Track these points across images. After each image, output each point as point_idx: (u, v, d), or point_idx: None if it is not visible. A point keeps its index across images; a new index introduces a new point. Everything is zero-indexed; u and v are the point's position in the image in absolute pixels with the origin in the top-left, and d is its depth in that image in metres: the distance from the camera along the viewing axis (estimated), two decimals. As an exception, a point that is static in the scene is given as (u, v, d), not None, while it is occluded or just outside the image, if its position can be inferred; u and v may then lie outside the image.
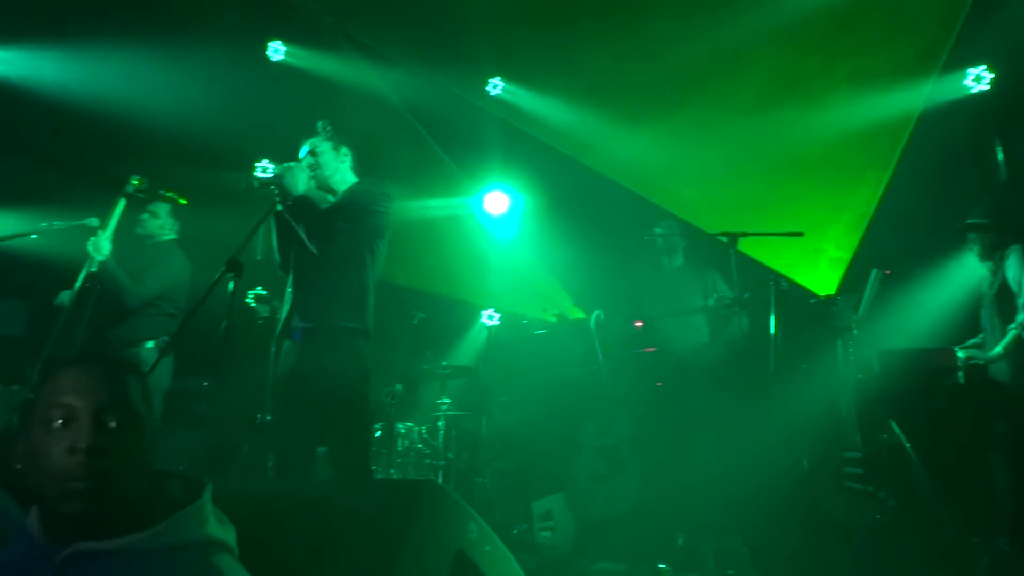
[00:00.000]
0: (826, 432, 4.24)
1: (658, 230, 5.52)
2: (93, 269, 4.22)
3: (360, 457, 3.26)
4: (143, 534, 1.36)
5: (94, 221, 4.35)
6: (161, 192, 4.45)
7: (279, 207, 3.26)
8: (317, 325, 3.23)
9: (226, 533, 1.46)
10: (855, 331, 4.28)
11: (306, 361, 3.21)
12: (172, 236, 4.77)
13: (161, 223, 4.71)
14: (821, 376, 4.48)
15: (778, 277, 4.59)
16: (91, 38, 5.49)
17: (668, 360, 5.26)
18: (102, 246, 4.20)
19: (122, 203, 4.30)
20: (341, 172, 3.48)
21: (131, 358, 4.38)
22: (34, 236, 4.48)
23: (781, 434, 4.32)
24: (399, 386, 5.71)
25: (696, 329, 5.32)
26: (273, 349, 3.49)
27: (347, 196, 3.41)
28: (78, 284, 4.22)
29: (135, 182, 4.32)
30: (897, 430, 4.12)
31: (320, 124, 3.49)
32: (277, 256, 3.41)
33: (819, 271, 6.29)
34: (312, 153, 3.43)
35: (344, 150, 3.49)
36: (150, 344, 4.46)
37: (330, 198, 3.47)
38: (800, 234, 4.71)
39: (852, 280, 5.92)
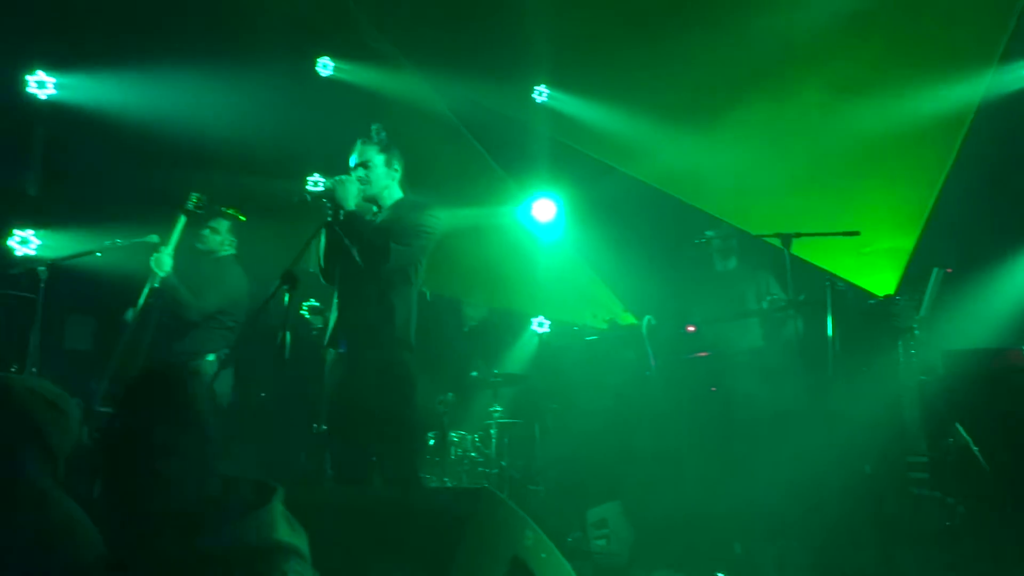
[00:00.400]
0: (889, 436, 4.13)
1: (710, 232, 5.45)
2: (156, 285, 4.35)
3: (409, 466, 3.31)
4: (210, 537, 1.38)
5: (154, 238, 4.49)
6: (222, 209, 4.57)
7: (330, 219, 3.32)
8: (363, 339, 3.28)
9: (297, 539, 1.46)
10: (917, 332, 4.16)
11: (354, 374, 3.28)
12: (231, 252, 4.89)
13: (221, 239, 4.83)
14: (882, 379, 4.36)
15: (833, 278, 4.49)
16: (148, 61, 5.66)
17: (722, 364, 5.18)
18: (164, 262, 4.33)
19: (183, 220, 4.44)
20: (390, 188, 3.53)
21: (194, 370, 4.50)
22: (98, 254, 4.64)
23: (841, 439, 4.21)
24: (451, 395, 5.74)
25: (750, 332, 5.24)
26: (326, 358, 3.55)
27: (397, 214, 3.45)
28: (142, 300, 4.36)
29: (195, 199, 4.46)
30: (964, 433, 3.98)
31: (374, 128, 3.53)
32: (322, 263, 3.45)
33: (875, 271, 6.14)
34: (364, 165, 3.47)
35: (396, 165, 3.53)
36: (211, 357, 4.57)
37: (374, 208, 3.52)
38: (856, 233, 4.61)
39: (911, 279, 5.77)
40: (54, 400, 1.98)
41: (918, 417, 4.01)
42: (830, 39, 5.90)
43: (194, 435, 1.47)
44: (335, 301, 3.44)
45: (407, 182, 3.60)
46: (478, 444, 5.76)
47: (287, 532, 1.43)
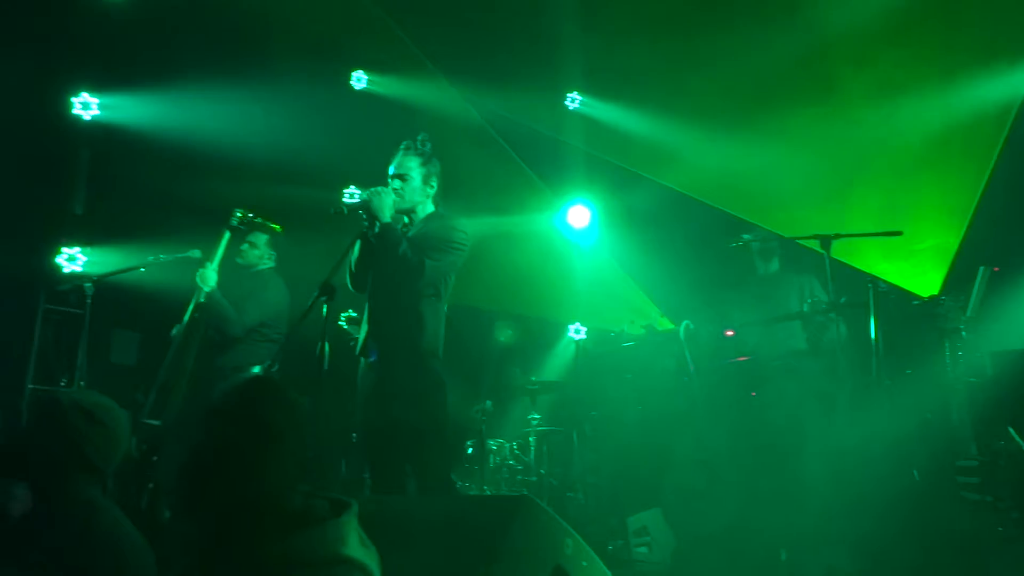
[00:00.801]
0: (937, 440, 4.02)
1: (747, 236, 5.35)
2: (201, 300, 4.43)
3: (443, 473, 3.32)
4: (276, 545, 1.36)
5: (196, 253, 4.57)
6: (258, 221, 4.63)
7: (365, 230, 3.35)
8: (393, 349, 3.31)
9: (367, 556, 1.44)
10: (964, 333, 4.05)
11: (385, 384, 3.30)
12: (270, 264, 4.96)
13: (260, 253, 4.90)
14: (928, 381, 4.26)
15: (875, 279, 4.40)
16: (187, 80, 5.79)
17: (763, 369, 5.10)
18: (209, 277, 4.41)
19: (227, 235, 4.51)
20: (423, 204, 3.55)
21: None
22: (142, 269, 4.74)
23: (887, 443, 4.12)
24: (489, 403, 5.74)
25: (792, 336, 5.14)
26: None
27: (428, 230, 3.46)
28: (188, 315, 4.44)
29: (239, 214, 4.52)
30: (1016, 436, 3.86)
31: (420, 138, 3.54)
32: (353, 269, 3.48)
33: (919, 271, 6.01)
34: (401, 178, 3.48)
35: (433, 181, 3.53)
36: (256, 369, 4.64)
37: (405, 220, 3.54)
38: (899, 233, 4.51)
39: (956, 279, 5.64)
40: (93, 411, 2.01)
41: (967, 420, 3.91)
42: (868, 38, 5.81)
43: (278, 450, 1.45)
44: (366, 311, 3.47)
45: (441, 195, 3.61)
46: (517, 452, 5.75)
47: (357, 548, 1.41)
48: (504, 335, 5.93)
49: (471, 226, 3.54)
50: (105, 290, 4.77)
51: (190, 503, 1.42)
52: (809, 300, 4.89)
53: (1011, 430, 3.89)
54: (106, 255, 5.58)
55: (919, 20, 5.71)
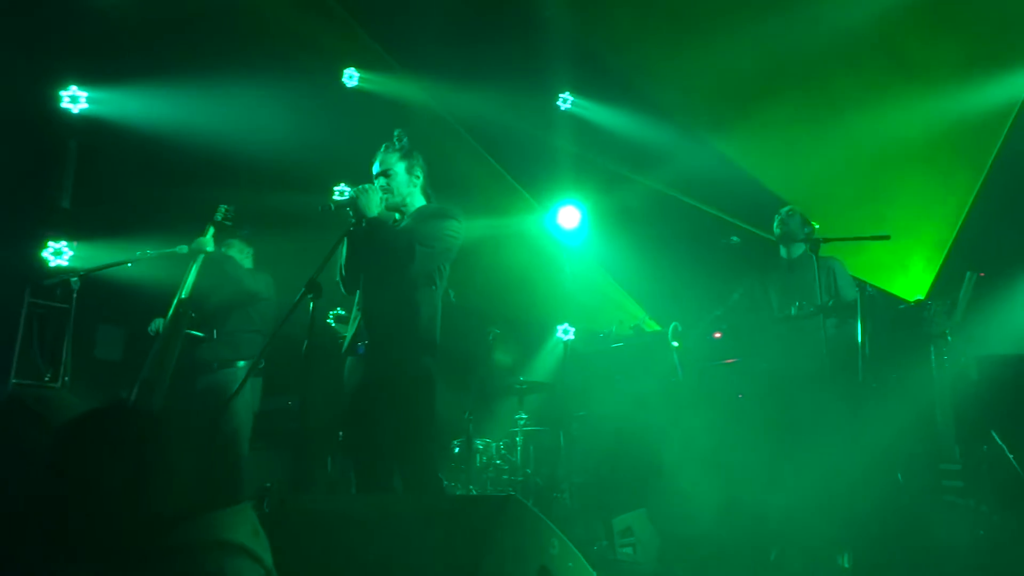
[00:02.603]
0: (921, 444, 4.05)
1: (735, 239, 5.24)
2: (184, 296, 4.42)
3: (429, 472, 3.29)
4: (159, 535, 1.36)
5: (183, 249, 4.56)
6: (228, 223, 4.63)
7: (354, 228, 3.34)
8: (382, 342, 3.28)
9: (257, 544, 1.43)
10: (950, 337, 4.08)
11: (372, 377, 3.27)
12: (250, 264, 4.96)
13: (236, 253, 4.90)
14: (914, 385, 4.29)
15: (863, 283, 4.42)
16: (177, 76, 5.76)
17: (750, 371, 5.09)
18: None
19: (211, 231, 4.52)
20: (412, 195, 3.53)
21: (227, 377, 4.56)
22: (128, 264, 4.72)
23: (873, 447, 4.14)
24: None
25: (780, 338, 5.12)
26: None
27: (419, 219, 3.45)
28: (170, 311, 4.42)
29: (223, 211, 4.54)
30: (999, 440, 3.89)
31: (396, 134, 3.54)
32: (343, 272, 3.47)
33: (909, 275, 6.05)
34: (385, 174, 3.48)
35: (417, 172, 3.53)
36: (242, 363, 4.62)
37: (396, 216, 3.53)
38: (886, 237, 4.52)
39: (944, 284, 5.67)
40: (36, 408, 1.94)
41: (951, 424, 3.94)
42: (862, 40, 5.82)
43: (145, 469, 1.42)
44: (355, 309, 3.45)
45: (431, 188, 3.60)
46: (503, 452, 5.75)
47: (245, 535, 1.41)
48: (493, 335, 5.91)
49: (464, 214, 3.52)
50: (91, 285, 4.74)
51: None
52: (797, 303, 4.86)
53: (995, 435, 3.92)
54: (93, 250, 5.54)
55: (914, 23, 5.73)
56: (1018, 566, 3.64)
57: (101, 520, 1.38)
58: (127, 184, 5.91)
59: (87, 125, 5.94)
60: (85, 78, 5.94)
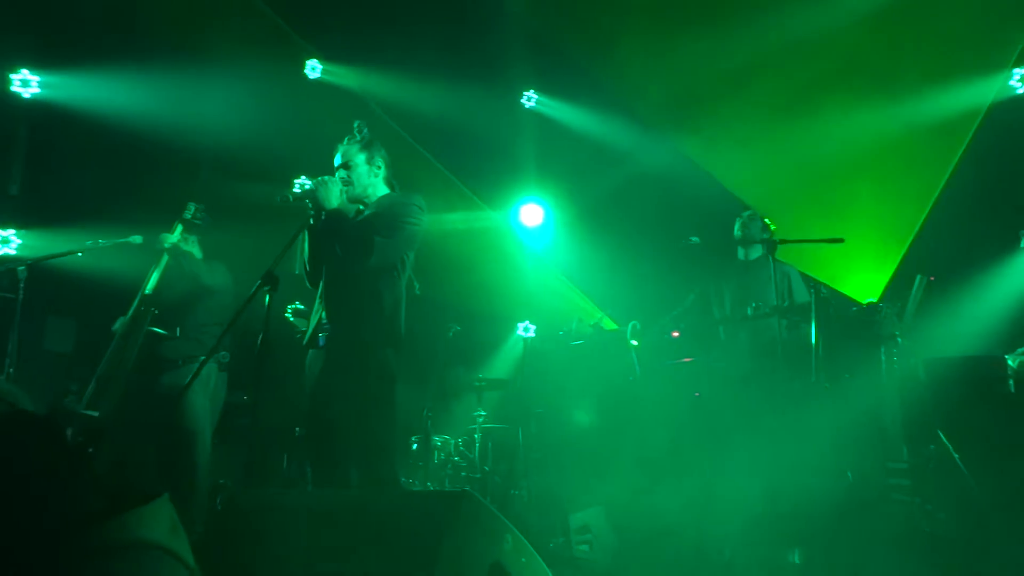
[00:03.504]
0: (871, 443, 4.14)
1: (695, 239, 5.33)
2: (147, 292, 4.32)
3: (387, 467, 3.26)
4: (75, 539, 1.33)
5: (138, 239, 4.45)
6: (198, 221, 4.54)
7: (312, 220, 3.30)
8: (343, 333, 3.25)
9: (175, 542, 1.42)
10: (900, 339, 4.18)
11: (331, 369, 3.24)
12: (198, 253, 4.84)
13: (190, 246, 4.80)
14: (865, 386, 4.38)
15: (819, 284, 4.50)
16: (133, 61, 5.64)
17: (706, 370, 5.16)
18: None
19: (179, 228, 4.43)
20: (374, 186, 3.50)
21: (189, 373, 4.47)
22: (79, 254, 4.59)
23: (824, 445, 4.22)
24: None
25: (735, 338, 5.21)
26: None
27: (380, 208, 3.42)
28: (133, 308, 4.32)
29: (192, 209, 4.44)
30: (945, 440, 4.00)
31: (356, 125, 3.51)
32: (307, 267, 3.43)
33: (862, 278, 6.17)
34: (346, 166, 3.45)
35: (378, 161, 3.49)
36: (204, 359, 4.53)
37: (360, 207, 3.50)
38: (840, 240, 4.60)
39: (896, 288, 5.80)
40: None
41: (899, 424, 4.03)
42: (827, 43, 5.88)
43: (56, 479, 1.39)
44: (317, 301, 3.41)
45: (392, 182, 3.56)
46: (462, 448, 5.74)
47: (163, 534, 1.39)
48: (453, 332, 5.90)
49: (425, 203, 3.50)
50: (40, 274, 4.61)
51: None
52: (753, 304, 4.94)
53: (941, 434, 4.03)
54: (42, 238, 5.40)
55: (876, 33, 5.83)
56: (960, 560, 3.75)
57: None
58: (80, 171, 5.76)
59: (38, 110, 5.78)
60: (37, 62, 5.77)
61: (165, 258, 4.39)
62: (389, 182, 3.54)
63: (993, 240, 5.56)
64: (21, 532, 1.31)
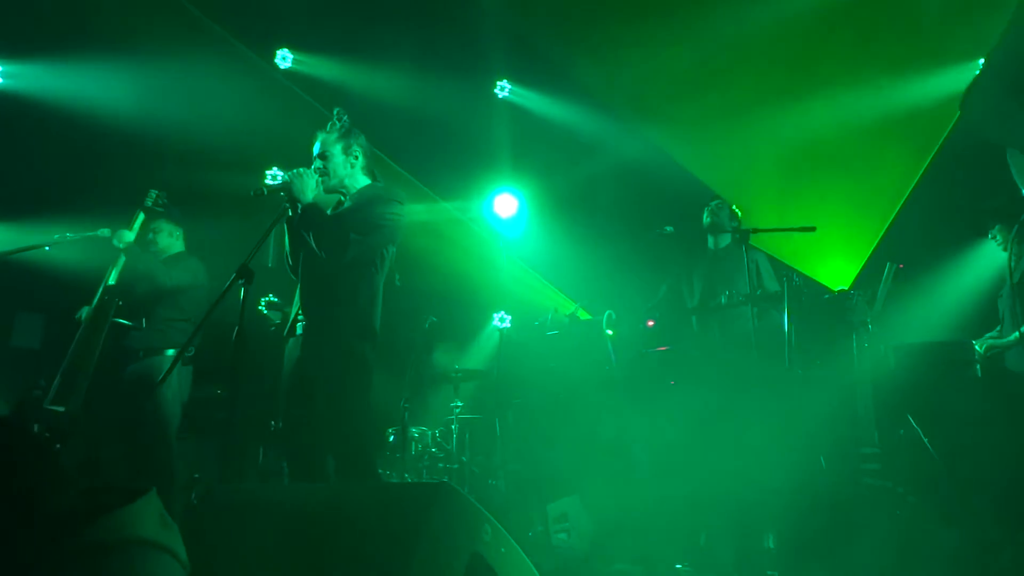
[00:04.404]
0: (843, 428, 4.20)
1: (669, 228, 5.36)
2: (111, 283, 4.26)
3: (364, 459, 3.25)
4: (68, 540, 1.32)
5: (105, 232, 4.39)
6: (160, 208, 4.49)
7: (289, 213, 3.27)
8: (319, 325, 3.23)
9: (167, 536, 1.41)
10: (870, 326, 4.24)
11: (308, 361, 3.22)
12: (181, 247, 4.80)
13: (167, 237, 4.74)
14: (837, 372, 4.43)
15: (791, 271, 4.55)
16: (98, 50, 5.53)
17: (682, 358, 5.20)
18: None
19: (141, 217, 4.37)
20: (351, 177, 3.46)
21: (153, 366, 4.42)
22: (47, 248, 4.52)
23: (798, 431, 4.28)
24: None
25: (709, 326, 5.25)
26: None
27: (357, 203, 3.39)
28: (96, 298, 4.26)
29: (153, 196, 4.38)
30: (915, 425, 4.07)
31: (335, 112, 3.46)
32: (289, 261, 3.41)
33: (835, 266, 6.25)
34: (322, 156, 3.41)
35: (355, 151, 3.44)
36: (170, 352, 4.48)
37: (342, 198, 3.47)
38: (812, 229, 4.65)
39: (869, 274, 5.88)
40: None
41: (871, 409, 4.09)
42: (800, 32, 5.90)
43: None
44: (297, 293, 3.39)
45: (371, 171, 3.52)
46: (439, 439, 5.74)
47: (155, 529, 1.38)
48: (429, 323, 5.88)
49: (404, 198, 3.47)
50: (7, 270, 4.53)
51: None
52: (727, 292, 4.99)
53: (911, 419, 4.10)
54: (7, 232, 5.29)
55: (851, 20, 5.86)
56: (931, 543, 3.82)
57: None
58: (46, 163, 5.65)
59: (1, 100, 5.65)
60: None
61: (123, 257, 4.33)
62: (369, 171, 3.50)
63: (962, 229, 5.65)
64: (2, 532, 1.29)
